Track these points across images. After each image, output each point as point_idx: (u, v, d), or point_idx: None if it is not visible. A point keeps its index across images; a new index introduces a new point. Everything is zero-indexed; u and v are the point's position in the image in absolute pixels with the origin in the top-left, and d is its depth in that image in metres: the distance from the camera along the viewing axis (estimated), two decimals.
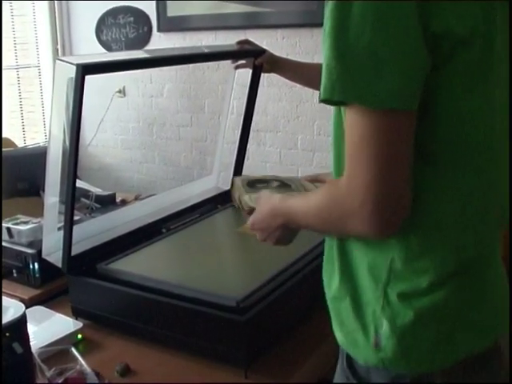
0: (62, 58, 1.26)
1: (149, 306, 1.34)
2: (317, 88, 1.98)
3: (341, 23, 0.80)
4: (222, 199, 1.98)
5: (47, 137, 1.34)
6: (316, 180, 1.42)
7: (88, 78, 1.24)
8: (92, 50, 4.07)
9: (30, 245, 1.63)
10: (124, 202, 2.41)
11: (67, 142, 1.30)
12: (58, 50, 4.31)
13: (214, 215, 1.87)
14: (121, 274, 1.43)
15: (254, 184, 1.39)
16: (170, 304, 1.31)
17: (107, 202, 2.35)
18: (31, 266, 1.59)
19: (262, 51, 1.82)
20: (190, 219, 1.81)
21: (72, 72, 1.22)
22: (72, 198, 1.35)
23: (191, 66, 3.74)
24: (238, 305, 1.25)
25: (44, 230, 1.45)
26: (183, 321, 1.30)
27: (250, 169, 3.52)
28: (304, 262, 1.47)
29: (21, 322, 1.08)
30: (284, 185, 1.40)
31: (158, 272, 1.44)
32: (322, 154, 3.53)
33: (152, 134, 4.12)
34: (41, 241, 1.61)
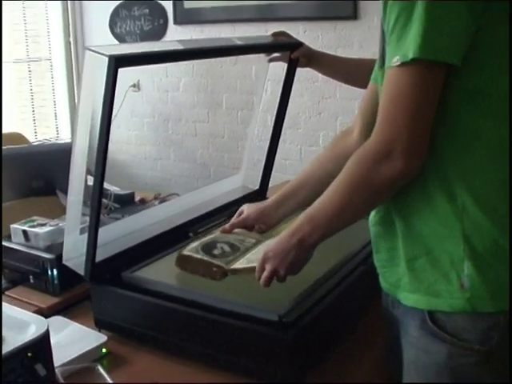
0: (93, 48, 1.14)
1: (180, 319, 1.22)
2: (353, 84, 1.89)
3: (409, 10, 0.92)
4: (251, 199, 1.86)
5: (71, 131, 1.23)
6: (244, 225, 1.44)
7: None
8: (105, 43, 3.96)
9: (47, 249, 1.51)
10: (143, 202, 2.30)
11: (95, 138, 1.18)
12: (70, 42, 4.20)
13: None
14: (148, 282, 1.31)
15: (210, 251, 1.34)
16: (204, 317, 1.19)
17: (126, 202, 2.25)
18: (49, 272, 1.47)
19: (299, 44, 1.71)
20: (218, 222, 1.69)
21: (103, 64, 1.10)
22: (99, 199, 1.24)
23: (208, 59, 3.62)
24: (280, 319, 1.13)
25: (65, 233, 1.33)
26: (218, 336, 1.18)
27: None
28: (349, 266, 1.35)
29: (44, 340, 0.96)
30: (231, 246, 1.36)
31: (188, 281, 1.32)
32: None
33: (167, 129, 4.01)
34: (59, 244, 1.50)
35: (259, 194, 1.92)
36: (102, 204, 2.07)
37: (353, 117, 3.40)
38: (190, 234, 1.60)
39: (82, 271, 1.32)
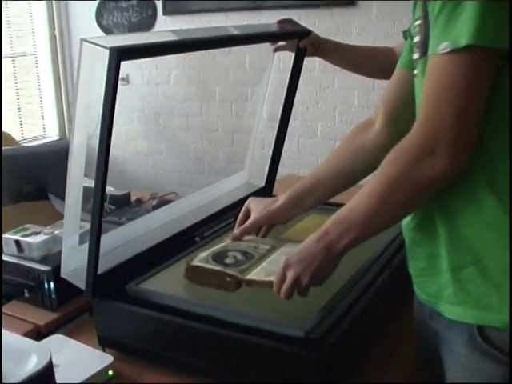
0: (90, 40, 1.03)
1: (193, 336, 1.11)
2: (366, 74, 1.78)
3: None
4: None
5: (67, 130, 1.11)
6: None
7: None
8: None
9: (43, 260, 1.39)
10: (139, 202, 2.19)
11: (94, 137, 1.07)
12: (55, 36, 4.05)
13: None
14: (156, 295, 1.19)
15: (221, 260, 1.23)
16: (219, 334, 1.07)
17: (122, 203, 2.13)
18: (46, 286, 1.36)
19: (307, 32, 1.59)
20: (225, 223, 1.59)
21: (103, 57, 0.99)
22: (100, 205, 1.12)
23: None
24: (307, 336, 1.02)
25: (63, 243, 1.21)
26: (235, 354, 1.07)
27: (266, 159, 3.28)
28: (373, 271, 1.24)
29: (47, 374, 0.85)
30: (244, 254, 1.26)
31: (199, 293, 1.21)
32: None
33: (158, 123, 3.88)
34: (56, 255, 1.39)
35: (265, 192, 1.81)
36: None
37: (352, 107, 3.27)
38: (197, 239, 1.49)
39: (82, 285, 1.21)
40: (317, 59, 1.72)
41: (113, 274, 1.25)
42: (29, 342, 0.93)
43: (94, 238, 1.15)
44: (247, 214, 1.34)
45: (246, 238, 1.36)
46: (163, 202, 2.12)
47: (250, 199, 1.35)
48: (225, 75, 3.53)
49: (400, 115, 1.13)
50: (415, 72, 0.97)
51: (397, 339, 1.27)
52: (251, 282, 1.15)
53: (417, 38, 0.95)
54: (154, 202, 2.13)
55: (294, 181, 1.81)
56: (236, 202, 1.69)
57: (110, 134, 1.06)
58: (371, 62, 1.70)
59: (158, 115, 3.86)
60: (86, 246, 1.24)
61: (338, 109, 3.26)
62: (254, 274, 1.17)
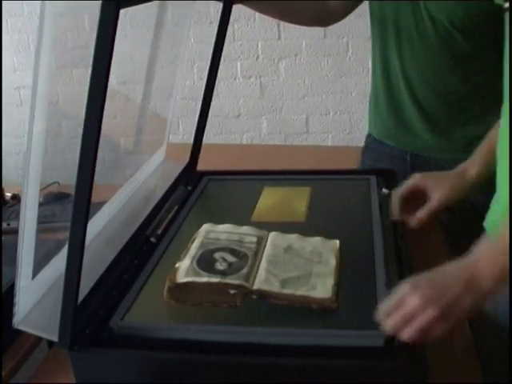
0: None
1: (236, 373, 0.86)
2: (297, 21, 1.56)
3: None
4: (187, 176, 1.50)
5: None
6: None
7: None
8: None
9: None
10: (18, 199, 1.79)
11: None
12: None
13: (199, 203, 1.39)
14: (164, 330, 0.90)
15: (212, 268, 1.01)
16: (269, 364, 0.84)
17: None
18: None
19: None
20: (172, 214, 1.32)
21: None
22: (85, 220, 0.80)
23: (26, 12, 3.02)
24: (388, 343, 0.83)
25: (18, 280, 0.87)
26: None
27: (117, 126, 2.90)
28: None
29: None
30: (234, 253, 1.06)
31: (198, 314, 0.95)
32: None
33: None
34: None
35: (190, 166, 1.55)
36: None
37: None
38: (152, 239, 1.21)
39: (52, 335, 0.88)
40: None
41: (87, 311, 0.93)
42: None
43: (73, 269, 0.83)
44: (414, 193, 1.15)
45: (221, 227, 1.17)
46: (53, 197, 1.76)
47: (418, 176, 1.15)
48: (59, 38, 3.07)
49: None
50: None
51: None
52: (267, 294, 0.93)
53: None
54: (41, 198, 1.76)
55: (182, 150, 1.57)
56: (172, 185, 1.42)
57: (100, 122, 0.76)
58: (300, 7, 1.51)
59: None
60: (42, 277, 0.94)
61: (197, 65, 3.01)
62: (265, 283, 0.95)
